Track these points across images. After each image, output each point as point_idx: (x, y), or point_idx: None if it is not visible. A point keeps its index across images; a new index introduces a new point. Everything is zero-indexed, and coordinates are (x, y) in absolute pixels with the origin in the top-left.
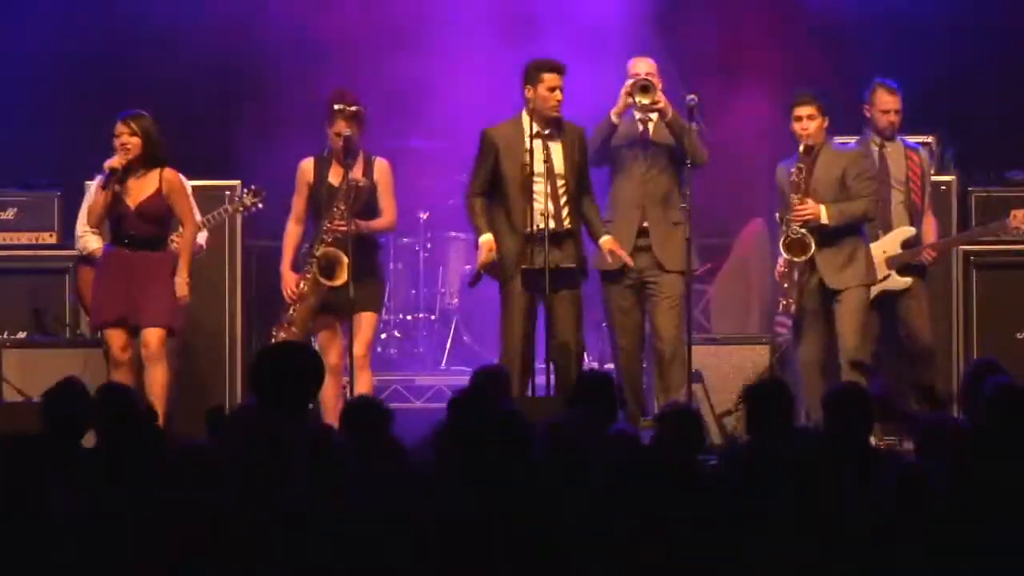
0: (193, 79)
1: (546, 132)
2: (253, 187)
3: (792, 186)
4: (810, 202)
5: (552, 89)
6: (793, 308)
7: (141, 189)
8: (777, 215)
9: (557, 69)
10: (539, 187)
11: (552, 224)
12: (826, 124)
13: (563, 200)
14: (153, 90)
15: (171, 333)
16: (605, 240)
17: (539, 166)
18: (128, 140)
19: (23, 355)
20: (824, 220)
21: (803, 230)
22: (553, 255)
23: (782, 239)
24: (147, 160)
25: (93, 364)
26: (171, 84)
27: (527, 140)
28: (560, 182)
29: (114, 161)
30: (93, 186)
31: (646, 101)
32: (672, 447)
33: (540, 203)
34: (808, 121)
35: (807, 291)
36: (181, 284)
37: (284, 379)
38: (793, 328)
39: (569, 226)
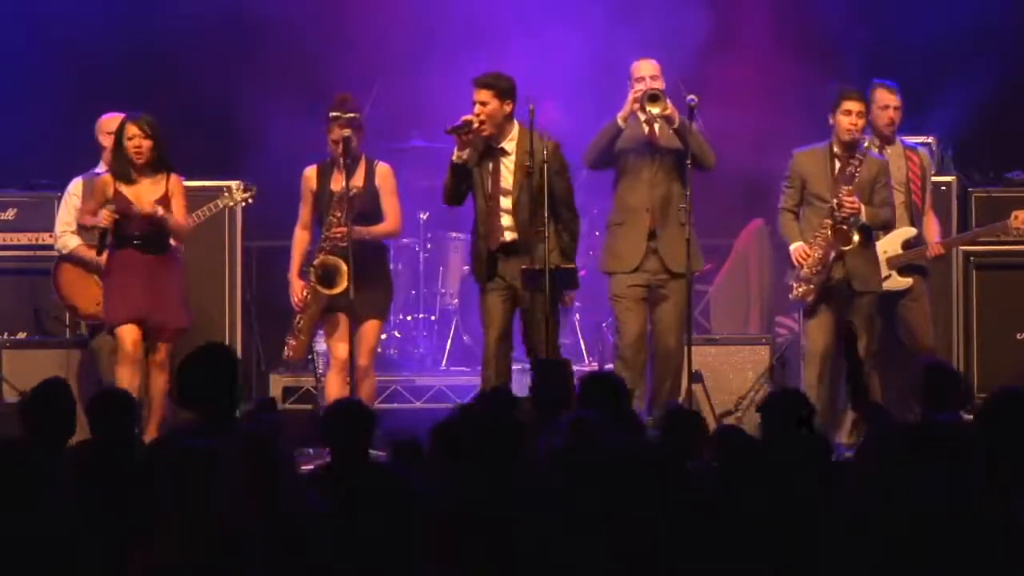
0: (192, 78)
1: (497, 147)
2: (244, 183)
3: (845, 177)
4: (855, 196)
5: (473, 103)
6: (812, 297)
7: (150, 194)
8: (785, 199)
9: (477, 83)
10: (483, 202)
11: (490, 239)
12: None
13: (503, 216)
14: (153, 89)
15: (184, 332)
16: None
17: (488, 181)
18: (141, 143)
19: (23, 355)
20: (863, 218)
21: (848, 221)
22: (508, 265)
23: (830, 225)
24: (156, 163)
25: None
26: (171, 83)
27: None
28: (505, 200)
29: (105, 218)
30: (73, 184)
31: (655, 111)
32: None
33: (485, 217)
34: (858, 118)
35: (829, 285)
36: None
37: (201, 381)
38: (806, 316)
39: (514, 238)
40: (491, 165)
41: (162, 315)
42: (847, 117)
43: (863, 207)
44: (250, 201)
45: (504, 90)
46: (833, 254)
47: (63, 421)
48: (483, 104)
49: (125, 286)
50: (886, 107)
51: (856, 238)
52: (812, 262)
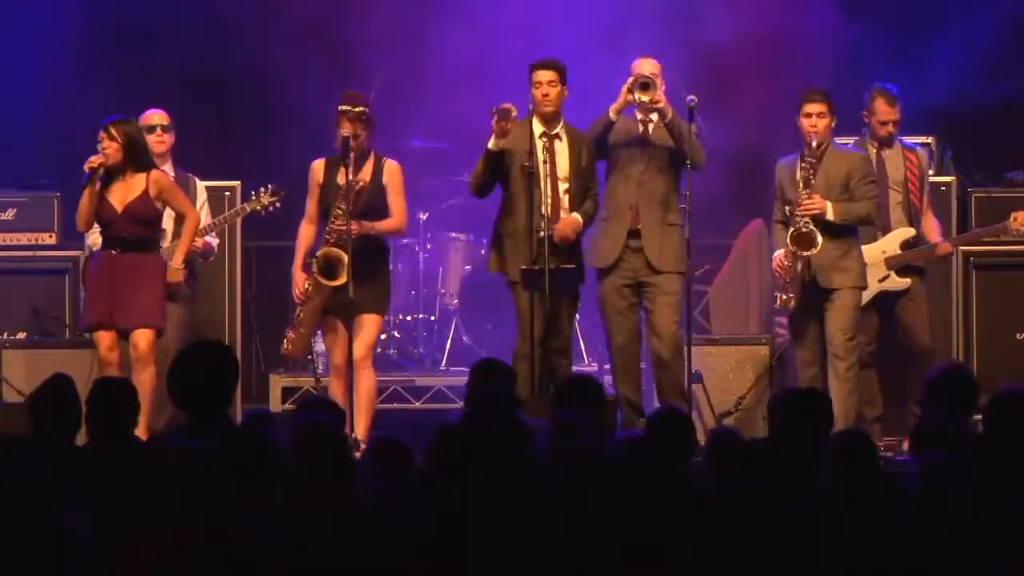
0: (191, 78)
1: (552, 132)
2: (271, 186)
3: (800, 181)
4: (817, 196)
5: (538, 85)
6: (792, 304)
7: (128, 191)
8: (776, 212)
9: (543, 65)
10: (539, 188)
11: (547, 225)
12: (833, 124)
13: (564, 202)
14: (154, 90)
15: (159, 334)
16: (563, 219)
17: (541, 167)
18: (107, 145)
19: (23, 355)
20: (830, 216)
21: (811, 225)
22: (553, 256)
23: (789, 233)
24: (132, 164)
25: (94, 364)
26: (171, 83)
27: (530, 141)
28: (563, 185)
29: (92, 161)
30: None
31: (645, 99)
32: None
33: (540, 204)
34: (818, 119)
35: (805, 289)
36: (174, 270)
37: (190, 380)
38: (791, 326)
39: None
40: (547, 151)
41: (132, 316)
42: (807, 120)
43: (830, 205)
44: (278, 205)
45: (563, 74)
46: (800, 262)
47: (69, 417)
48: (551, 84)
49: (99, 290)
50: (885, 123)
51: (820, 240)
52: (784, 272)
